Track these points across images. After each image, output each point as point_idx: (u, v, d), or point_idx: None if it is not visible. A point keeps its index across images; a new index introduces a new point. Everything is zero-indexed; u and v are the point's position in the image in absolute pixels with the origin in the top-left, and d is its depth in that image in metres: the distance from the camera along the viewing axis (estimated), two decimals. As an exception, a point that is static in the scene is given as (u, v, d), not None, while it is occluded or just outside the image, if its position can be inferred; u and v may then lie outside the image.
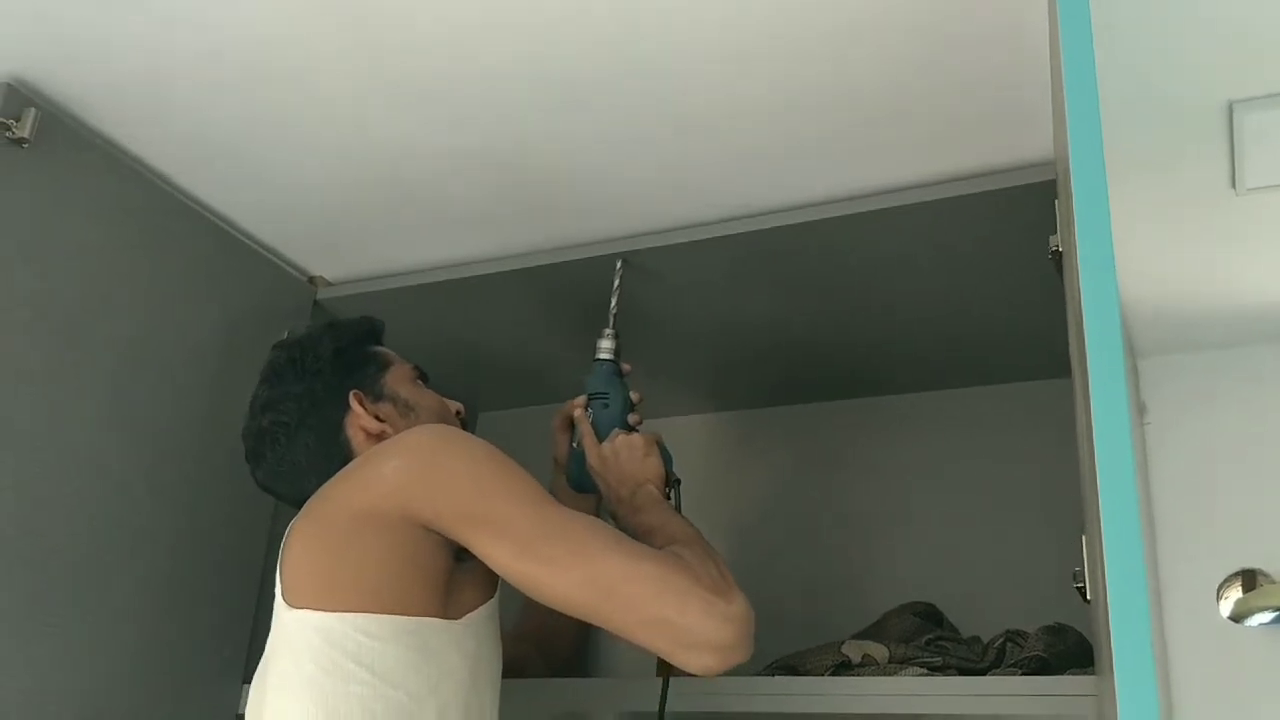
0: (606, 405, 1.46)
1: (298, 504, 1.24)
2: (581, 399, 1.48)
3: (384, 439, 1.25)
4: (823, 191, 1.44)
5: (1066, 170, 0.90)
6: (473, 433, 1.89)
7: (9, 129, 1.27)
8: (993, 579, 1.65)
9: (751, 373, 1.87)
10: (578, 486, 1.47)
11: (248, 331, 1.56)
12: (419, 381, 1.37)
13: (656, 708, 1.34)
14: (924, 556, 1.73)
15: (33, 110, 1.29)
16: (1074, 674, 1.26)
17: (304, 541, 1.14)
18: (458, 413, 1.38)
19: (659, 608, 1.05)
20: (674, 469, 1.41)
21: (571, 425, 1.49)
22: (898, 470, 1.81)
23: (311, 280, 1.76)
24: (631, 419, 1.46)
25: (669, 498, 1.37)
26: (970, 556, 1.70)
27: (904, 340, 1.71)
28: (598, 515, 1.42)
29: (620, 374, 1.50)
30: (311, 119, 1.38)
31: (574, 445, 1.48)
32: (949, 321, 1.64)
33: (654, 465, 1.37)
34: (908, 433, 1.83)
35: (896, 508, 1.79)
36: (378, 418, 1.28)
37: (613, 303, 1.53)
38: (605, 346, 1.50)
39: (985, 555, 1.68)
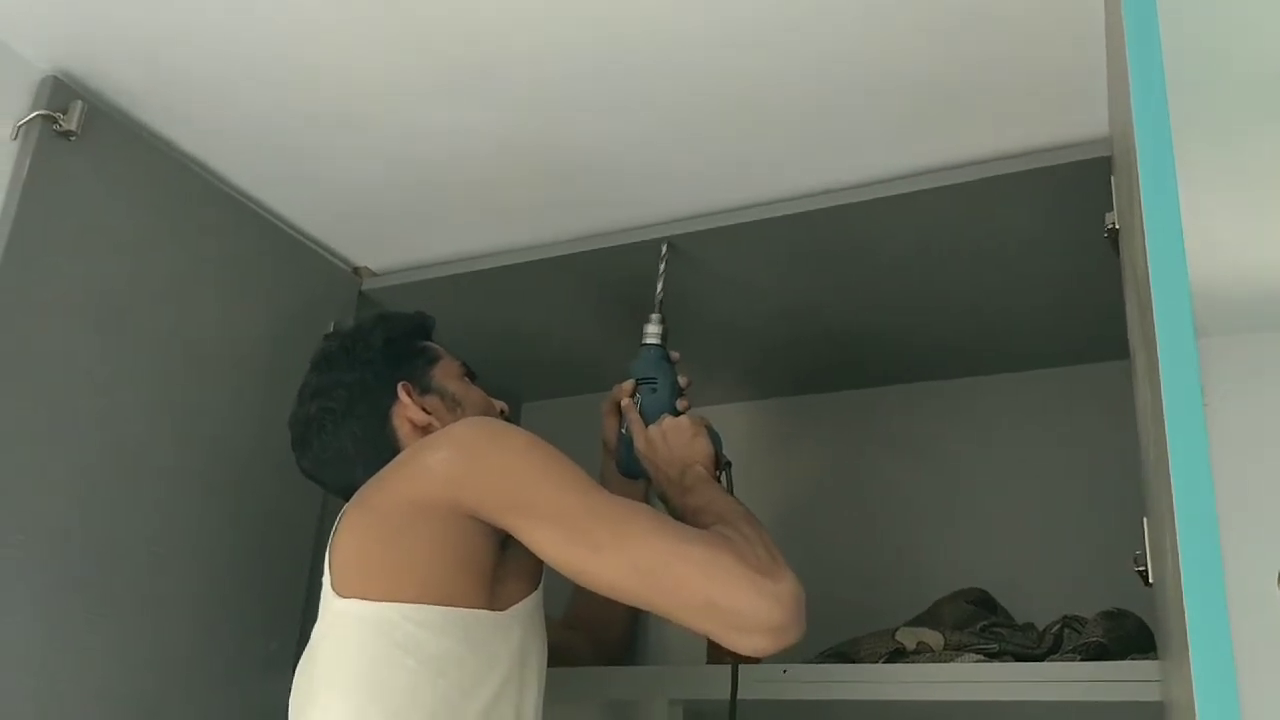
0: (654, 390, 1.45)
1: (341, 492, 1.26)
2: (629, 384, 1.47)
3: (430, 431, 1.26)
4: (869, 173, 1.43)
5: (1128, 144, 0.88)
6: (518, 423, 1.95)
7: (56, 122, 1.27)
8: (1045, 565, 1.63)
9: (797, 359, 1.85)
10: (627, 472, 1.47)
11: (294, 322, 1.56)
12: (466, 378, 1.38)
13: (706, 694, 1.35)
14: (975, 543, 1.71)
15: (79, 103, 1.30)
16: (1135, 659, 1.24)
17: (354, 532, 1.15)
18: (502, 411, 1.38)
19: (707, 590, 1.05)
20: (724, 452, 1.41)
21: (620, 410, 1.49)
22: (948, 456, 1.80)
23: (356, 271, 1.75)
24: (679, 404, 1.45)
25: (720, 480, 1.36)
26: (1022, 542, 1.68)
27: (953, 324, 1.70)
28: (647, 500, 1.45)
29: (668, 358, 1.49)
30: (355, 110, 1.38)
31: (623, 430, 1.47)
32: (999, 305, 1.62)
33: (702, 447, 1.37)
34: (958, 418, 1.81)
35: (947, 494, 1.77)
36: (425, 410, 1.29)
37: (659, 287, 1.52)
38: (652, 331, 1.50)
39: (1037, 541, 1.67)
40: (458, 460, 1.14)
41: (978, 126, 1.33)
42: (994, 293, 1.59)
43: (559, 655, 1.39)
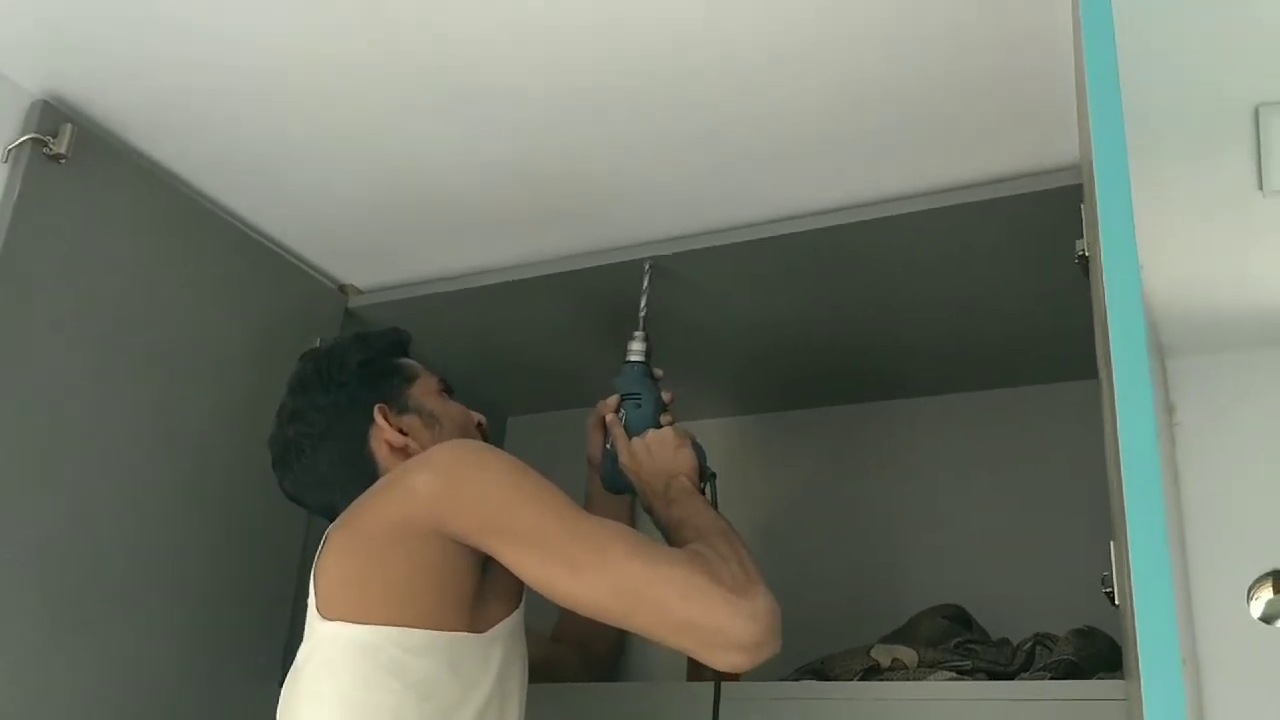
0: (639, 406, 1.46)
1: (323, 513, 1.28)
2: (614, 399, 1.48)
3: (408, 453, 1.27)
4: (850, 196, 1.44)
5: (1091, 174, 0.90)
6: (503, 437, 2.05)
7: (46, 145, 1.29)
8: (1022, 581, 1.64)
9: (778, 376, 1.86)
10: (612, 487, 1.47)
11: (281, 340, 1.56)
12: (444, 394, 1.38)
13: (690, 713, 1.36)
14: (953, 559, 1.72)
15: (69, 126, 1.31)
16: (1103, 678, 1.25)
17: (338, 554, 1.15)
18: (479, 424, 1.39)
19: (683, 610, 1.07)
20: (708, 464, 1.42)
21: (605, 426, 1.49)
22: (927, 472, 1.80)
23: (343, 289, 1.76)
24: (664, 419, 1.45)
25: (704, 492, 1.37)
26: (999, 558, 1.69)
27: (933, 343, 1.71)
28: (633, 515, 1.48)
29: (652, 375, 1.49)
30: (341, 130, 1.39)
31: (607, 446, 1.47)
32: (978, 324, 1.64)
33: (686, 458, 1.38)
34: (937, 435, 1.82)
35: (925, 510, 1.78)
36: (401, 431, 1.30)
37: (642, 306, 1.53)
38: (636, 348, 1.51)
39: (1014, 557, 1.68)
40: (439, 483, 1.14)
41: (958, 150, 1.35)
42: (974, 312, 1.61)
43: (547, 671, 1.42)
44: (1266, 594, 1.57)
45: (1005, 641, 1.43)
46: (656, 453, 1.38)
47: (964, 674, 1.33)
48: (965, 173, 1.38)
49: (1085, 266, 1.17)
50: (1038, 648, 1.35)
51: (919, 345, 1.72)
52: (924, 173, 1.38)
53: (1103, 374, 1.01)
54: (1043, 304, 1.55)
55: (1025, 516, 1.70)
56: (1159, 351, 1.67)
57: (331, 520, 1.21)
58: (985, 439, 1.79)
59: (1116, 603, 0.95)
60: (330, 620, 1.11)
